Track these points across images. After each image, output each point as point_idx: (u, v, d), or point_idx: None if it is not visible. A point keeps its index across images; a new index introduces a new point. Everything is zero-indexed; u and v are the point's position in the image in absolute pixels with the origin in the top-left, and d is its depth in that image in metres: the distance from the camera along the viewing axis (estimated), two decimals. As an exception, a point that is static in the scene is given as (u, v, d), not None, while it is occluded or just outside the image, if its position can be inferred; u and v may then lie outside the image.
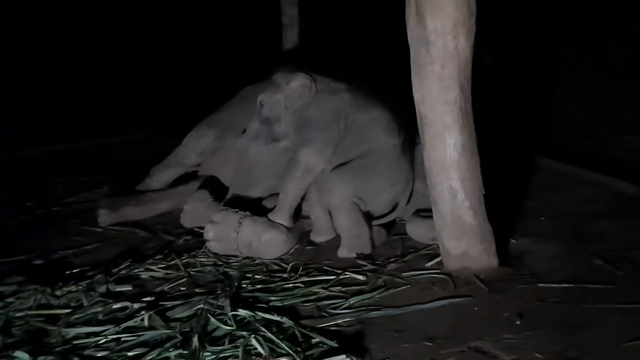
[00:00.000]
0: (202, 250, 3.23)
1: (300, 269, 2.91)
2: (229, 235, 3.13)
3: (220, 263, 3.09)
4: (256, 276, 2.90)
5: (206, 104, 4.45)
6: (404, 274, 2.79)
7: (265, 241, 3.11)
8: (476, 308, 2.41)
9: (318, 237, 3.34)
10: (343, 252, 3.05)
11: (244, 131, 3.61)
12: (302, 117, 3.34)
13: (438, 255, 2.88)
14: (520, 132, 5.18)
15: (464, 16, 2.52)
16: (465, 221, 2.66)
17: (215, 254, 3.18)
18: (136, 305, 2.57)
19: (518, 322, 2.26)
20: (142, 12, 9.02)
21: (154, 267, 3.03)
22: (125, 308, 2.57)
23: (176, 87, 8.90)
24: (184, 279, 2.90)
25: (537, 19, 6.56)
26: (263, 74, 4.26)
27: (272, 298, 2.62)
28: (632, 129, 5.01)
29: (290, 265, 2.97)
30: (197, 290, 2.78)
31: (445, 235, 2.73)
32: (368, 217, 3.20)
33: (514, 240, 3.05)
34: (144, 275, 2.98)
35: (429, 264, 2.87)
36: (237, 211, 3.21)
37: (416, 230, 3.19)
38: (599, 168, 4.03)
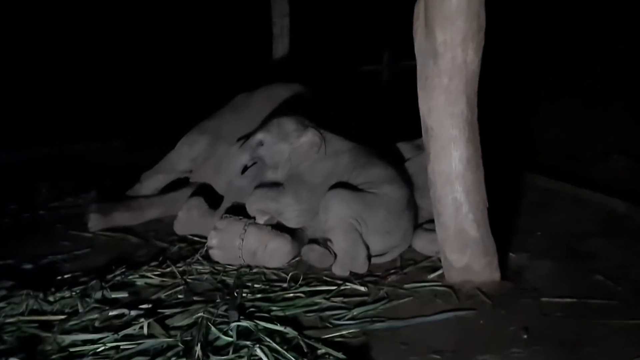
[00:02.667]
0: (197, 257, 3.15)
1: (300, 278, 2.87)
2: (233, 243, 3.08)
3: (217, 271, 3.03)
4: (255, 285, 2.85)
5: (188, 111, 4.41)
6: (405, 285, 2.77)
7: (270, 250, 3.07)
8: (481, 322, 2.40)
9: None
10: (337, 270, 2.99)
11: (239, 139, 3.54)
12: (294, 171, 3.25)
13: (438, 267, 2.87)
14: (505, 152, 5.21)
15: (473, 30, 2.53)
16: (468, 234, 2.66)
17: (210, 261, 3.12)
18: (134, 313, 2.50)
19: (525, 336, 2.25)
20: (115, 15, 8.92)
21: (149, 274, 2.96)
22: (123, 315, 2.49)
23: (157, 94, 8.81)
24: (181, 287, 2.83)
25: (510, 48, 6.62)
26: (260, 86, 4.28)
27: (274, 308, 2.57)
28: (618, 150, 5.10)
29: (290, 274, 2.92)
30: (195, 298, 2.72)
31: (448, 247, 2.72)
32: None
33: (512, 255, 3.06)
34: (139, 282, 2.90)
35: (431, 276, 2.85)
36: (240, 219, 3.17)
37: (420, 243, 3.17)
38: (588, 187, 4.08)
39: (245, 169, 3.38)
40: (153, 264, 3.08)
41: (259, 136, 3.27)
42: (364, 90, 7.21)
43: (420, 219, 3.33)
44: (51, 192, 4.72)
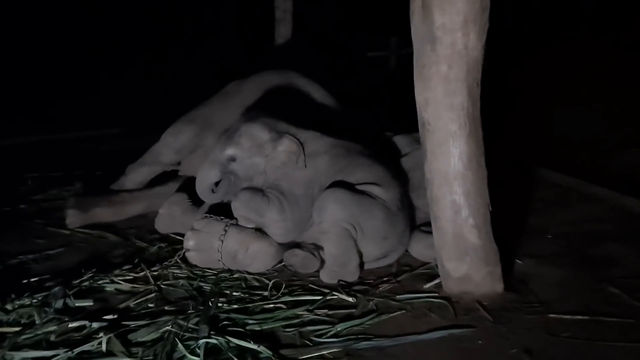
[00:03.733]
0: (175, 260, 2.91)
1: (283, 286, 2.62)
2: (212, 244, 2.83)
3: (194, 276, 2.79)
4: (234, 293, 2.60)
5: (191, 98, 4.14)
6: (397, 296, 2.50)
7: (252, 253, 2.81)
8: (479, 342, 2.13)
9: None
10: (324, 277, 2.73)
11: (226, 131, 3.27)
12: (273, 181, 2.94)
13: (436, 275, 2.61)
14: (511, 144, 4.91)
15: (475, 11, 2.24)
16: (468, 240, 2.39)
17: (189, 265, 2.88)
18: (95, 325, 2.26)
19: (528, 361, 1.99)
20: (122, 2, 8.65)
21: (120, 279, 2.72)
22: (83, 327, 2.26)
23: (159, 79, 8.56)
24: (153, 294, 2.59)
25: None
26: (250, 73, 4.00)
27: (250, 321, 2.32)
28: (635, 142, 4.79)
29: (271, 282, 2.66)
30: (166, 307, 2.47)
31: (446, 255, 2.45)
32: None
33: (519, 262, 2.78)
34: (109, 287, 2.67)
35: (426, 286, 2.59)
36: (221, 218, 2.91)
37: (417, 248, 2.90)
38: (603, 182, 3.79)
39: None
40: (125, 267, 2.84)
41: (229, 151, 2.95)
42: (369, 76, 6.91)
43: (417, 220, 3.06)
44: (37, 183, 4.53)
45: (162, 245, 3.20)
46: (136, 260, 2.95)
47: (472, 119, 2.34)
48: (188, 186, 3.56)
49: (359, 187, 2.79)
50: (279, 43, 6.14)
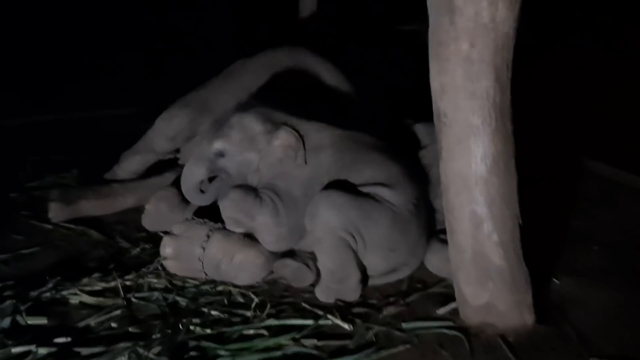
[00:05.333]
0: (153, 267, 2.55)
1: (268, 307, 2.21)
2: (192, 252, 2.45)
3: (172, 287, 2.42)
4: (212, 312, 2.22)
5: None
6: (404, 324, 2.07)
7: (238, 263, 2.42)
8: (500, 394, 1.70)
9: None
10: (319, 294, 2.32)
11: (216, 121, 2.87)
12: (269, 180, 2.53)
13: (454, 297, 2.15)
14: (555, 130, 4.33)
15: (506, -27, 1.76)
16: (491, 261, 1.94)
17: (169, 273, 2.51)
18: (42, 351, 1.94)
19: None
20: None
21: (88, 289, 2.37)
22: (28, 354, 1.93)
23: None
24: (119, 311, 2.23)
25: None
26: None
27: (222, 352, 1.94)
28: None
29: (255, 301, 2.26)
30: (130, 329, 2.11)
31: (464, 278, 2.00)
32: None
33: (556, 281, 2.31)
34: (74, 300, 2.32)
35: (440, 312, 2.15)
36: (205, 221, 2.53)
37: (434, 261, 2.45)
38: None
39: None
40: (95, 275, 2.48)
41: (217, 145, 2.53)
42: (400, 53, 6.38)
43: (438, 224, 2.60)
44: (37, 167, 4.23)
45: (147, 246, 2.83)
46: (111, 266, 2.60)
47: (500, 111, 1.87)
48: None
49: (364, 189, 2.35)
50: (303, 16, 5.71)
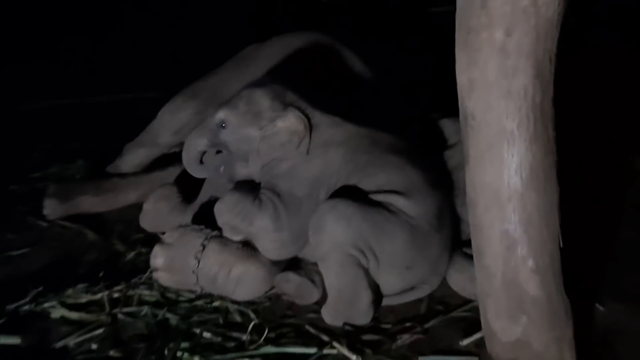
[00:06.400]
0: (145, 277, 2.31)
1: (267, 331, 1.95)
2: (186, 263, 2.20)
3: (164, 301, 2.18)
4: (204, 334, 1.97)
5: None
6: (420, 358, 1.79)
7: (236, 277, 2.17)
8: None
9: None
10: (326, 317, 2.05)
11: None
12: (270, 178, 2.28)
13: (479, 323, 1.85)
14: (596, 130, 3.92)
15: (552, -54, 1.43)
16: (525, 291, 1.63)
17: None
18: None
19: None
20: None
21: (71, 301, 2.16)
22: (-7, 381, 1.71)
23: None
24: (103, 329, 2.01)
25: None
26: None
27: (209, 387, 1.70)
28: None
29: (252, 323, 2.00)
30: (111, 352, 1.89)
31: (492, 308, 1.71)
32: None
33: (601, 308, 1.99)
34: (55, 313, 2.11)
35: (463, 343, 1.86)
36: (201, 229, 2.28)
37: (458, 280, 2.15)
38: None
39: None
40: (80, 285, 2.25)
41: (220, 114, 2.30)
42: (430, 38, 6.02)
43: (464, 235, 2.29)
44: (45, 155, 4.05)
45: (143, 250, 2.60)
46: (102, 273, 2.36)
47: (540, 112, 1.56)
48: (187, 174, 2.96)
49: (377, 197, 2.06)
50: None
